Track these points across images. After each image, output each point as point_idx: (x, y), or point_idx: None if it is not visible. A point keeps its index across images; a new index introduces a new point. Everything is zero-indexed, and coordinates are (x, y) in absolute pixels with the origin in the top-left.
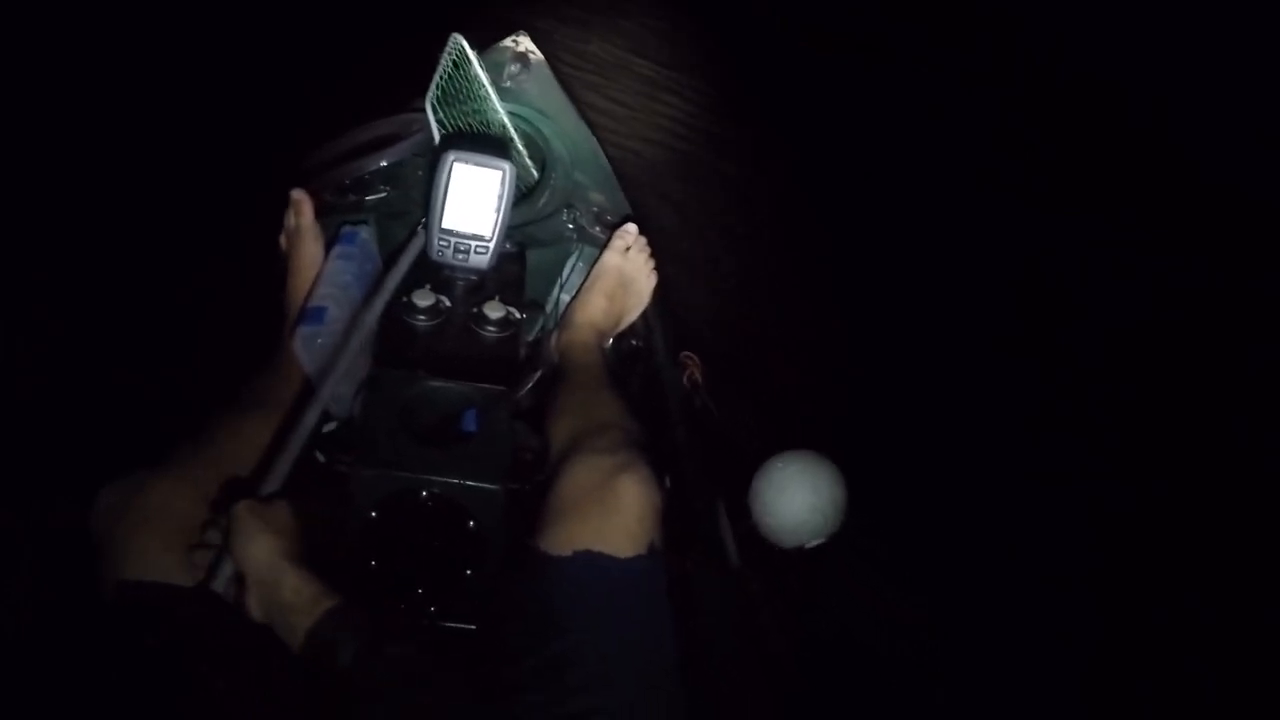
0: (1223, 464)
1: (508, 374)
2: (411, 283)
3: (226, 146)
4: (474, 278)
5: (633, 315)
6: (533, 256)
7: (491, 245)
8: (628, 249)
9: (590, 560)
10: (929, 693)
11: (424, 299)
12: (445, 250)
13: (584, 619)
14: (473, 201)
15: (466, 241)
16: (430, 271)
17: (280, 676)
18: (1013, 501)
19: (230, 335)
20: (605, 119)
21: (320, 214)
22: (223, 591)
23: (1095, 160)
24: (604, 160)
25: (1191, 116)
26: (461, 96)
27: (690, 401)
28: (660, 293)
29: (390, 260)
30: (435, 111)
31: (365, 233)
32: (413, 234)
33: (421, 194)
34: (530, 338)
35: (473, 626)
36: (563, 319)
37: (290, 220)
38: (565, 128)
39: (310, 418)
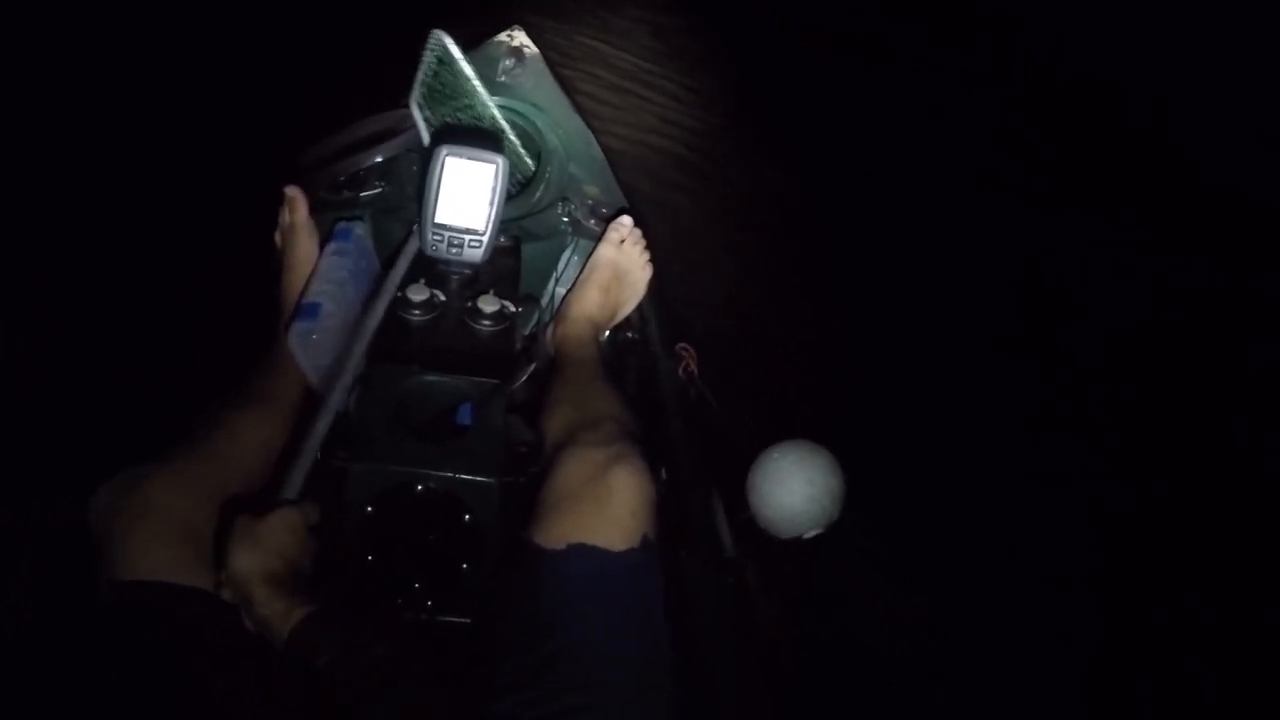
0: (1223, 464)
1: (503, 368)
2: (406, 277)
3: (226, 146)
4: (468, 272)
5: (628, 308)
6: (528, 250)
7: (485, 239)
8: (623, 242)
9: (583, 553)
10: (929, 693)
11: (418, 293)
12: (439, 245)
13: (575, 613)
14: (466, 195)
15: (460, 236)
16: (424, 266)
17: (280, 676)
18: (1013, 501)
19: (230, 335)
20: (606, 118)
21: (315, 210)
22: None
23: (1095, 160)
24: (599, 154)
25: (1191, 116)
26: (450, 93)
27: (686, 393)
28: (655, 285)
29: (388, 262)
30: (422, 110)
31: (360, 229)
32: (410, 234)
33: (416, 189)
34: (525, 331)
35: (468, 620)
36: (558, 312)
37: (285, 217)
38: (560, 121)
39: (322, 425)
